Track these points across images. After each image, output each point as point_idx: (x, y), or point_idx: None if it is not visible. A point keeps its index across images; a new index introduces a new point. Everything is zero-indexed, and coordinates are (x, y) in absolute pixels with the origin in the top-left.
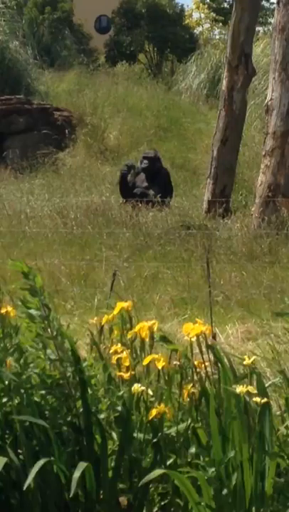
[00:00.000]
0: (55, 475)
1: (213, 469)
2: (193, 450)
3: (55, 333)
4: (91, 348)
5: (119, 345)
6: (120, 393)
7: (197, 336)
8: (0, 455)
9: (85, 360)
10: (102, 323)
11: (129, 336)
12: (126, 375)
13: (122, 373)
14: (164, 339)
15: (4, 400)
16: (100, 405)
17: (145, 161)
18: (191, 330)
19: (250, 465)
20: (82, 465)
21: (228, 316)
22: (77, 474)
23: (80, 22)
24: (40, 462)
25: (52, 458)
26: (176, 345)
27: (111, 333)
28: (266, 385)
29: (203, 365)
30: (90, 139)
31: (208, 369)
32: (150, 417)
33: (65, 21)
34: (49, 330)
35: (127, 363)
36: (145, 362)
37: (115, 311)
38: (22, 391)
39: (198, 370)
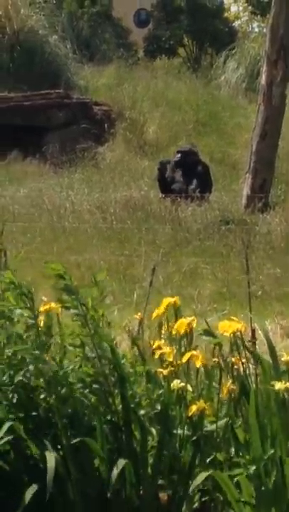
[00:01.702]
0: (96, 469)
1: (253, 467)
2: (232, 447)
3: (92, 331)
4: (132, 344)
5: (163, 340)
6: (160, 391)
7: (234, 333)
8: (40, 450)
9: (124, 356)
10: (153, 318)
11: (174, 332)
12: (165, 371)
13: (161, 369)
14: (207, 333)
15: (43, 395)
16: (139, 402)
17: (178, 155)
18: (228, 327)
19: None
20: (122, 462)
21: (267, 312)
22: (117, 470)
23: (119, 16)
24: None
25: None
26: (218, 339)
27: (158, 328)
28: None
29: (241, 362)
30: (129, 133)
31: (248, 365)
32: (190, 414)
33: (104, 15)
34: (87, 328)
35: (170, 358)
36: (184, 358)
37: (162, 307)
38: (62, 386)
39: (236, 366)
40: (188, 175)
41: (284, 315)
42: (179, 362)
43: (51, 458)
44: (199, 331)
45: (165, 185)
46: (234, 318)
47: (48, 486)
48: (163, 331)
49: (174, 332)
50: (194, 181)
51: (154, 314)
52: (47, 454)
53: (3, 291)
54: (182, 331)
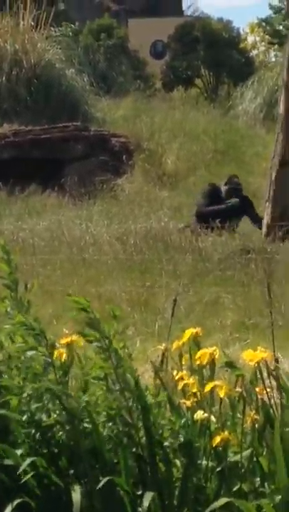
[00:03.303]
0: (121, 502)
1: (279, 497)
2: (258, 477)
3: (116, 363)
4: (155, 375)
5: (185, 371)
6: (183, 421)
7: (258, 362)
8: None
9: (147, 388)
10: (171, 349)
11: (197, 363)
12: (188, 402)
13: (184, 400)
14: (230, 364)
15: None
16: (163, 433)
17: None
18: (253, 357)
19: None
20: (149, 494)
21: None
22: (146, 503)
23: (136, 48)
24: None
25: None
26: (241, 370)
27: (180, 359)
28: None
29: (265, 392)
30: (148, 164)
31: (273, 394)
32: (214, 444)
33: (120, 47)
34: (110, 361)
35: (194, 389)
36: (207, 388)
37: (184, 338)
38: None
39: (260, 396)
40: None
41: None
42: (201, 392)
43: (77, 491)
44: (221, 363)
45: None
46: (258, 347)
47: None
48: (183, 362)
49: (197, 363)
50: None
51: (175, 345)
52: (73, 487)
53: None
54: (205, 362)
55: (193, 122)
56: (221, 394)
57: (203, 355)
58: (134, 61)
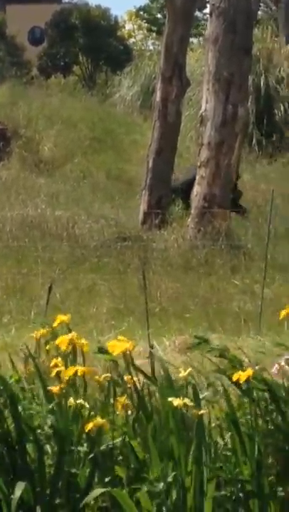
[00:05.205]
0: None
1: (154, 484)
2: (132, 465)
3: None
4: (26, 362)
5: (59, 358)
6: (50, 406)
7: (124, 352)
8: None
9: (12, 376)
10: (39, 338)
11: (64, 349)
12: (55, 389)
13: (53, 387)
14: (102, 350)
15: None
16: (32, 420)
17: None
18: (116, 347)
19: (190, 479)
20: (20, 485)
21: (165, 328)
22: (17, 493)
23: (13, 34)
24: None
25: None
26: (112, 356)
27: (47, 346)
28: (201, 397)
29: (134, 379)
30: (25, 151)
31: (145, 381)
32: (86, 430)
33: None
34: None
35: (67, 377)
36: (68, 374)
37: (55, 324)
38: None
39: (130, 383)
40: None
41: (182, 331)
42: (66, 378)
43: None
44: (94, 350)
45: None
46: (128, 336)
47: None
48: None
49: (64, 349)
50: None
51: (39, 333)
52: None
53: None
54: (64, 348)
55: (70, 109)
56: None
57: (63, 341)
58: (11, 47)
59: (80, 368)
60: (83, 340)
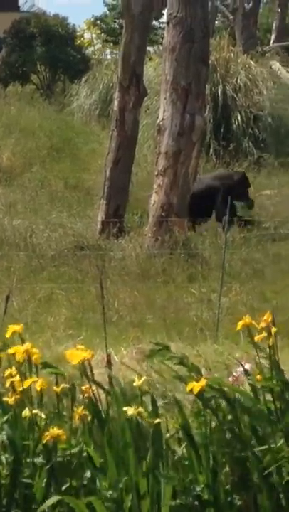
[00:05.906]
0: None
1: (109, 492)
2: (88, 474)
3: None
4: None
5: (14, 368)
6: (5, 418)
7: (82, 361)
8: None
9: None
10: None
11: (19, 359)
12: (10, 400)
13: (7, 398)
14: (46, 365)
15: None
16: None
17: None
18: (74, 357)
19: (146, 487)
20: None
21: (122, 337)
22: None
23: None
24: None
25: None
26: (58, 370)
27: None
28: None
29: (91, 389)
30: None
31: (100, 391)
32: (44, 441)
33: None
34: None
35: (20, 388)
36: (26, 385)
37: (7, 335)
38: None
39: (87, 393)
40: None
41: (139, 339)
42: (20, 389)
43: None
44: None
45: None
46: (85, 345)
47: None
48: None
49: (19, 360)
50: None
51: None
52: None
53: None
54: (19, 358)
55: (28, 118)
56: (38, 388)
57: (18, 352)
58: None
59: (36, 379)
60: (35, 350)
